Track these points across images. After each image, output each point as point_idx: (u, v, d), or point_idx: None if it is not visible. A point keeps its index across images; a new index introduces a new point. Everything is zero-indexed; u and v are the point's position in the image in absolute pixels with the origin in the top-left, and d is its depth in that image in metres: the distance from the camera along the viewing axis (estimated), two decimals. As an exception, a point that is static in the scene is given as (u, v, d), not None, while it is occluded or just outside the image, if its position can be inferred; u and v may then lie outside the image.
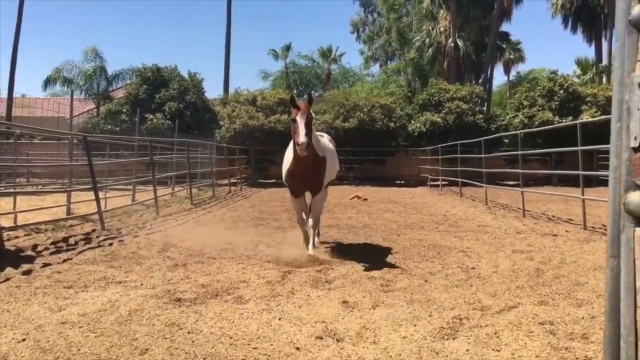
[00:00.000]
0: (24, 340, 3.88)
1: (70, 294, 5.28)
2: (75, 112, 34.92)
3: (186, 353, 3.66)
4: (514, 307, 4.78)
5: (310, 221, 7.69)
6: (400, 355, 3.61)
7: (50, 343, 3.82)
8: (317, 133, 7.81)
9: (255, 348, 3.78)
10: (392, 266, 6.67)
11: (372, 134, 28.64)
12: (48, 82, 36.76)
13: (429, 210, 14.13)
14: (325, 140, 8.16)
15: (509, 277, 6.04)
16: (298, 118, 6.70)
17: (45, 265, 6.75)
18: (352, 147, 28.23)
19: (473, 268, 6.56)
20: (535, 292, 5.34)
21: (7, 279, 5.90)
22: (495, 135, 20.81)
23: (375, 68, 61.02)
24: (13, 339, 3.90)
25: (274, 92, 32.45)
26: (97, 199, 10.43)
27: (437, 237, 9.20)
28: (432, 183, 25.04)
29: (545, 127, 17.42)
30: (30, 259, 7.12)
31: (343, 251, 7.73)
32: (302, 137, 6.56)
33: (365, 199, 17.52)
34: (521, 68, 58.20)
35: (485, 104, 38.78)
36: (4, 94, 32.25)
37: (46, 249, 8.03)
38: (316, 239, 7.94)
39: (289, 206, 14.72)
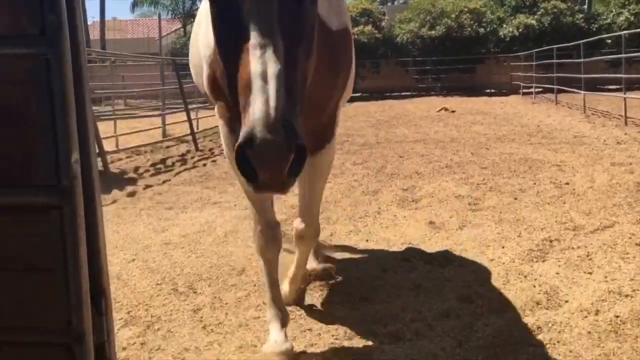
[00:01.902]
0: (133, 260, 4.25)
1: (171, 215, 5.66)
2: (163, 32, 35.86)
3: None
4: (609, 226, 4.60)
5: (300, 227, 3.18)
6: (487, 278, 3.64)
7: (156, 263, 4.17)
8: None
9: (345, 269, 3.92)
10: (481, 183, 6.57)
11: (460, 41, 27.32)
12: (136, 4, 37.69)
13: (520, 121, 13.57)
14: None
15: (606, 193, 5.78)
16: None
17: (147, 186, 7.23)
18: (439, 57, 27.19)
19: (567, 184, 6.32)
20: (633, 209, 5.08)
21: (114, 201, 6.39)
22: (595, 38, 19.20)
23: (464, -32, 57.32)
24: (124, 259, 4.27)
25: (356, 2, 31.38)
26: (190, 121, 10.85)
27: (528, 150, 8.87)
28: (525, 91, 23.81)
29: (654, 26, 15.88)
30: (133, 181, 7.64)
31: (430, 169, 7.68)
32: (256, 102, 1.45)
33: (453, 111, 17.02)
34: (629, -43, 52.55)
35: (586, 1, 35.64)
36: (97, 18, 33.42)
37: (146, 170, 8.56)
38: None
39: (369, 123, 14.55)
